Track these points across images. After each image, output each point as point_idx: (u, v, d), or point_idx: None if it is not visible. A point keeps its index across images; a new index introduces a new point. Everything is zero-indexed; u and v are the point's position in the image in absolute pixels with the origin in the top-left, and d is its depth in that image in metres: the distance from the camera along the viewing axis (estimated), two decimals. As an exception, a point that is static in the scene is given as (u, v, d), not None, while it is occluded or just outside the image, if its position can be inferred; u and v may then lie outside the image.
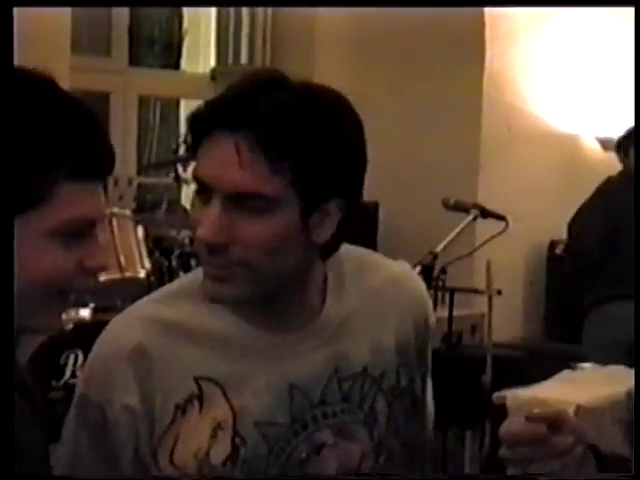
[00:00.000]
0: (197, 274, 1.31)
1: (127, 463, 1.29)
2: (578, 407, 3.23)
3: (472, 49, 5.31)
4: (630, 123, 4.85)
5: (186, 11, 6.13)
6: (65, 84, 1.13)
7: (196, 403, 1.28)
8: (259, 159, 1.17)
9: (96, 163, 1.06)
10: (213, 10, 6.02)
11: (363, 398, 1.36)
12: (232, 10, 5.90)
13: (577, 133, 5.62)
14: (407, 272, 1.46)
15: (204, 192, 1.23)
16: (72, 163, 1.03)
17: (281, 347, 1.30)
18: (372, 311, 1.38)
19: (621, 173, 4.45)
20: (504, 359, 4.01)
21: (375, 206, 5.10)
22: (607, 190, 4.37)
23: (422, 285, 1.45)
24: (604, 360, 3.49)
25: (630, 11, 4.98)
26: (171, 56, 6.20)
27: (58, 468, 1.29)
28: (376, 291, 1.39)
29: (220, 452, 1.28)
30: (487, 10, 5.32)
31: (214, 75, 6.11)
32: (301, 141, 1.18)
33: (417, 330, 1.43)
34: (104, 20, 5.37)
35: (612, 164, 5.55)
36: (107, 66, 5.37)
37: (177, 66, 6.18)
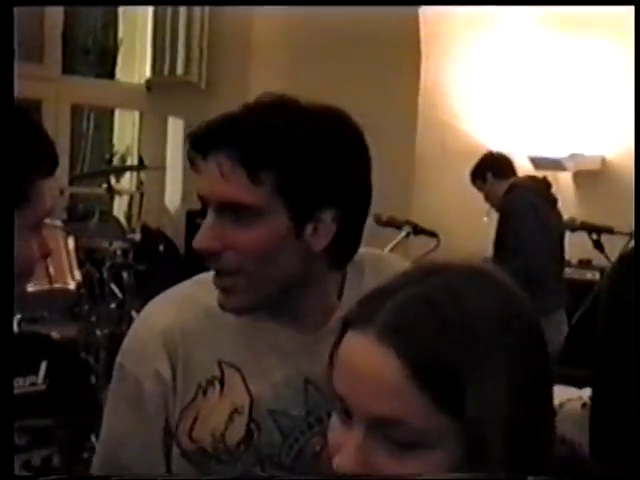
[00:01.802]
0: None
1: (160, 433, 1.36)
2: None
3: (407, 66, 5.35)
4: (563, 142, 4.93)
5: (122, 20, 6.08)
6: None
7: (217, 385, 1.36)
8: (238, 172, 1.27)
9: (54, 161, 1.21)
10: (149, 19, 5.98)
11: None
12: (168, 20, 5.87)
13: (509, 151, 5.69)
14: None
15: (205, 206, 1.33)
16: (42, 163, 1.19)
17: (300, 345, 1.37)
18: None
19: (525, 188, 4.54)
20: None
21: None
22: (534, 205, 4.47)
23: None
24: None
25: (572, 31, 5.07)
26: (106, 65, 6.14)
27: (102, 436, 1.40)
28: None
29: (235, 434, 1.36)
30: (422, 27, 5.36)
31: (150, 85, 6.06)
32: (282, 154, 1.27)
33: None
34: (37, 25, 5.30)
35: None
36: (39, 73, 5.30)
37: (112, 75, 6.12)
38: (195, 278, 1.44)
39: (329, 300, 1.39)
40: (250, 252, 1.29)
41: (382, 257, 1.52)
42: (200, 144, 1.31)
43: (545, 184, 4.65)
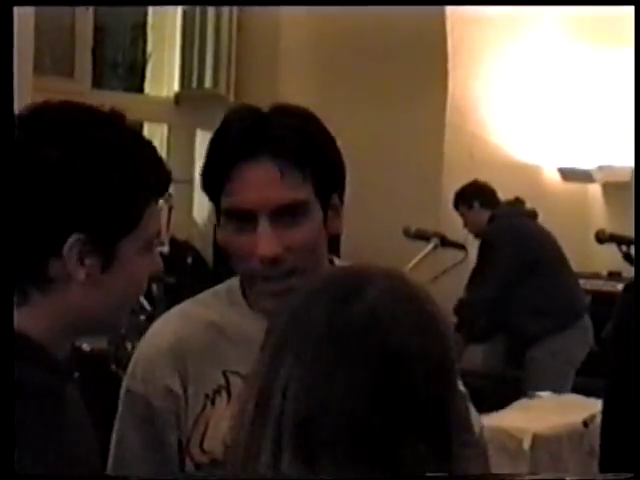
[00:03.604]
0: (230, 283, 1.47)
1: (173, 450, 1.40)
2: (535, 435, 3.24)
3: (435, 77, 5.35)
4: (592, 153, 4.92)
5: (150, 34, 6.13)
6: (26, 105, 1.17)
7: (224, 394, 1.40)
8: (294, 171, 1.35)
9: (165, 182, 1.24)
10: (178, 33, 6.02)
11: None
12: (197, 33, 5.91)
13: (538, 163, 5.67)
14: None
15: (243, 219, 1.36)
16: (155, 186, 1.22)
17: None
18: None
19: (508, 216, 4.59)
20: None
21: (337, 237, 5.09)
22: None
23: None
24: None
25: (602, 42, 5.05)
26: (135, 79, 6.19)
27: (110, 465, 1.42)
28: None
29: None
30: (450, 38, 5.37)
31: (178, 99, 6.10)
32: (314, 151, 1.37)
33: None
34: (68, 41, 5.35)
35: (572, 194, 5.61)
36: (70, 88, 5.34)
37: (141, 89, 6.17)
38: (191, 299, 1.49)
39: None
40: (306, 249, 1.36)
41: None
42: (250, 149, 1.35)
43: (519, 202, 4.71)
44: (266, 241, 1.33)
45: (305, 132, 1.38)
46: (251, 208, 1.34)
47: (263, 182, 1.34)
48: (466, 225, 4.63)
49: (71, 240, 1.15)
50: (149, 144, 1.25)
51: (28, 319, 1.16)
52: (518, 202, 4.72)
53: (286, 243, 1.34)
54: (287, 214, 1.34)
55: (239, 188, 1.35)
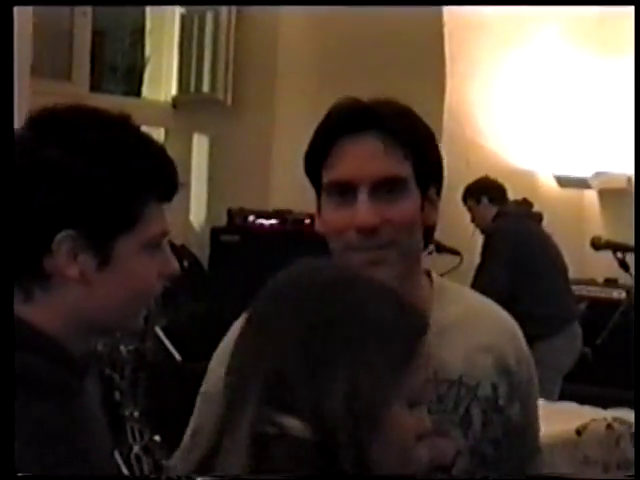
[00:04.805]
0: None
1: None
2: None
3: (432, 84, 5.36)
4: (588, 160, 4.93)
5: (148, 38, 6.13)
6: (24, 107, 1.18)
7: None
8: (397, 147, 1.40)
9: (170, 185, 1.26)
10: (176, 37, 6.02)
11: (457, 403, 1.47)
12: (195, 38, 5.91)
13: (534, 169, 5.68)
14: (498, 306, 1.61)
15: (343, 192, 1.41)
16: (156, 187, 1.23)
17: None
18: (469, 327, 1.51)
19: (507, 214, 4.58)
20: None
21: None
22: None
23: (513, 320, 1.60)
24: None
25: (599, 50, 5.06)
26: (133, 83, 6.19)
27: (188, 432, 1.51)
28: (475, 310, 1.54)
29: None
30: (447, 44, 5.38)
31: (175, 103, 6.10)
32: (417, 134, 1.44)
33: (517, 356, 1.54)
34: (65, 44, 5.35)
35: (569, 201, 5.62)
36: (67, 91, 5.34)
37: (138, 93, 6.17)
38: None
39: (421, 301, 1.44)
40: (405, 224, 1.40)
41: (469, 292, 1.62)
42: (355, 124, 1.42)
43: (527, 204, 4.71)
44: (365, 211, 1.38)
45: (408, 116, 1.45)
46: (352, 180, 1.39)
47: (366, 155, 1.39)
48: (473, 220, 4.63)
49: (60, 236, 1.16)
50: (157, 146, 1.26)
51: (39, 314, 1.18)
52: (526, 203, 4.73)
53: (385, 216, 1.39)
54: (387, 188, 1.39)
55: (341, 161, 1.40)
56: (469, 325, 1.51)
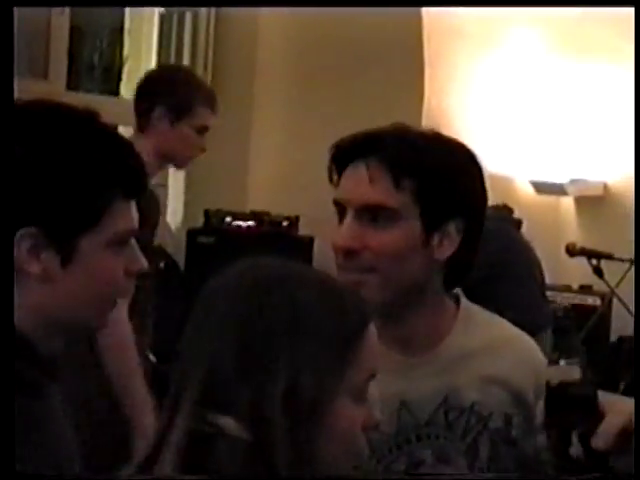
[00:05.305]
0: None
1: None
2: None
3: (411, 87, 5.36)
4: (565, 167, 4.93)
5: (127, 37, 6.10)
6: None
7: None
8: (385, 176, 1.43)
9: (136, 183, 1.25)
10: (154, 37, 6.00)
11: (467, 431, 1.47)
12: (174, 38, 5.89)
13: (511, 175, 5.70)
14: (526, 337, 1.64)
15: (341, 213, 1.48)
16: (120, 185, 1.22)
17: (402, 367, 1.46)
18: (490, 356, 1.51)
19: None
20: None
21: (310, 240, 5.10)
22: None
23: (540, 352, 1.60)
24: None
25: (577, 56, 5.09)
26: (111, 82, 6.15)
27: None
28: (502, 340, 1.55)
29: None
30: (426, 48, 5.38)
31: (153, 103, 6.08)
32: (423, 166, 1.44)
33: (537, 390, 1.50)
34: (42, 42, 5.31)
35: (545, 207, 5.64)
36: (44, 89, 5.30)
37: (116, 92, 6.13)
38: None
39: (439, 326, 1.47)
40: (386, 253, 1.42)
41: (489, 312, 1.61)
42: (349, 152, 1.47)
43: (507, 209, 4.74)
44: (344, 233, 1.44)
45: (419, 148, 1.45)
46: (341, 202, 1.47)
47: (354, 180, 1.45)
48: None
49: (20, 233, 1.16)
50: (123, 143, 1.26)
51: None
52: (506, 209, 4.74)
53: (366, 241, 1.43)
54: (370, 215, 1.43)
55: (341, 183, 1.48)
56: (492, 354, 1.51)
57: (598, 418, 1.22)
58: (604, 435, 1.21)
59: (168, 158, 3.04)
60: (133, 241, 1.26)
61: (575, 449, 1.23)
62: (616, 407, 1.24)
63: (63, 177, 1.17)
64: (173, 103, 2.98)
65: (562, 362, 1.26)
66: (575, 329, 1.32)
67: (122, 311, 2.53)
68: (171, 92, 3.01)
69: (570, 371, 1.25)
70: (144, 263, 1.26)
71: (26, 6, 3.82)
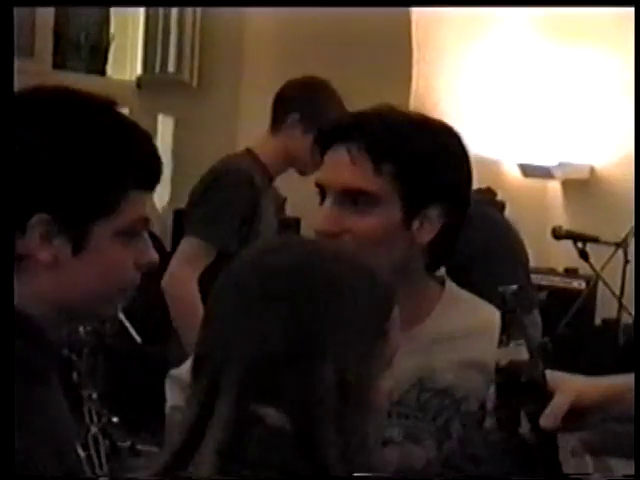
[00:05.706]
0: None
1: None
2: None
3: (399, 72, 5.35)
4: (552, 150, 4.94)
5: (114, 16, 6.07)
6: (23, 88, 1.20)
7: None
8: (365, 161, 1.42)
9: (152, 174, 1.25)
10: (141, 16, 5.97)
11: (438, 413, 1.47)
12: (161, 17, 5.86)
13: (498, 158, 5.70)
14: None
15: (322, 195, 1.47)
16: (137, 175, 1.22)
17: None
18: (471, 340, 1.50)
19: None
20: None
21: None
22: None
23: None
24: None
25: (565, 40, 5.08)
26: (97, 61, 6.12)
27: None
28: (485, 324, 1.50)
29: None
30: (414, 32, 5.37)
31: (140, 83, 6.05)
32: (403, 151, 1.43)
33: None
34: (28, 20, 5.28)
35: (532, 190, 5.65)
36: (30, 67, 5.27)
37: (103, 72, 6.10)
38: None
39: (419, 308, 1.46)
40: (366, 236, 1.42)
41: (482, 304, 1.59)
42: (332, 135, 1.46)
43: (490, 192, 4.75)
44: (323, 216, 1.44)
45: (401, 132, 1.44)
46: (324, 183, 1.46)
47: (335, 164, 1.45)
48: None
49: (34, 219, 1.15)
50: (141, 134, 1.25)
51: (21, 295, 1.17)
52: (489, 192, 4.74)
53: (345, 225, 1.42)
54: (351, 199, 1.42)
55: (323, 166, 1.48)
56: (472, 338, 1.50)
57: (547, 398, 1.23)
58: (552, 415, 1.21)
59: (292, 163, 3.06)
60: (146, 234, 1.25)
61: (524, 429, 1.23)
62: (564, 386, 1.24)
63: (80, 164, 1.17)
64: (308, 113, 2.97)
65: (511, 344, 1.26)
66: (522, 310, 1.33)
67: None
68: (308, 101, 3.05)
69: (519, 352, 1.26)
70: (155, 256, 1.25)
71: (26, 6, 3.79)
